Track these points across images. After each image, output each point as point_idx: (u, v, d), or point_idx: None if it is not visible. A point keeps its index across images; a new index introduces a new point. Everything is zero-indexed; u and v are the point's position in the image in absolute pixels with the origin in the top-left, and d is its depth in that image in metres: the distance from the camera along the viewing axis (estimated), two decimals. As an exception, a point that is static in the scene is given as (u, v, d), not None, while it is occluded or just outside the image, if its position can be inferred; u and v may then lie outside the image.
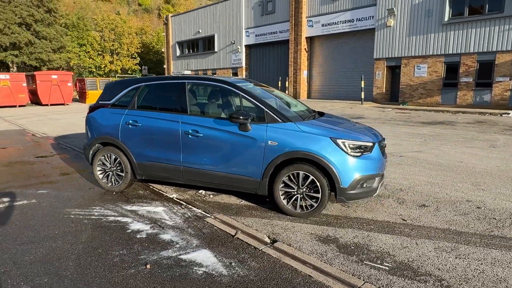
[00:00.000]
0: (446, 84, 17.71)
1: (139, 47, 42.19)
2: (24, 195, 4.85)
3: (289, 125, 4.06)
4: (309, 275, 2.88)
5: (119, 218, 4.05)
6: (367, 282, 2.79)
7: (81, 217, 4.09)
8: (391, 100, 20.18)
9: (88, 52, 39.72)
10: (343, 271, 2.95)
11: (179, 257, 3.18)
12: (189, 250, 3.30)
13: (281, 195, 4.10)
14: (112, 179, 4.97)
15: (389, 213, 4.20)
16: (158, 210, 4.32)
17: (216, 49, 30.01)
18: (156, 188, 5.17)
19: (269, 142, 4.04)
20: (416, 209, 4.35)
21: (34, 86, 24.60)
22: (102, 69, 40.12)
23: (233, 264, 3.06)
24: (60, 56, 35.13)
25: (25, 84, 24.11)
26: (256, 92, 4.56)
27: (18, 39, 30.82)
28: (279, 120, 4.11)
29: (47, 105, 24.75)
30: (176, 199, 4.70)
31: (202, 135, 4.35)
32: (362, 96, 19.35)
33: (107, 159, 4.97)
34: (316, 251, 3.30)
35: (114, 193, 4.96)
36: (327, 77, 23.60)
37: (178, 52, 34.46)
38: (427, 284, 2.75)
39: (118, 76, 40.73)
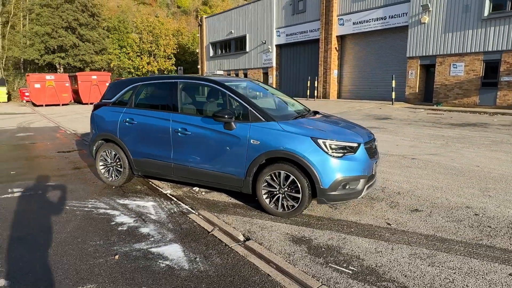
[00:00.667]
0: (484, 83, 16.59)
1: (175, 48, 43.54)
2: (33, 187, 5.23)
3: (272, 124, 4.05)
4: (268, 274, 2.87)
5: (108, 211, 4.26)
6: (324, 285, 2.73)
7: (75, 208, 4.34)
8: (424, 100, 19.25)
9: (128, 53, 41.64)
10: (304, 272, 2.90)
11: (149, 250, 3.29)
12: (161, 244, 3.41)
13: (264, 194, 4.09)
14: (113, 174, 5.22)
15: (375, 217, 4.05)
16: (147, 204, 4.48)
17: (247, 49, 30.25)
18: (154, 184, 5.35)
19: (252, 141, 4.05)
20: (406, 213, 4.16)
21: (76, 86, 26.25)
22: (140, 69, 41.86)
23: (197, 259, 3.12)
24: (102, 57, 37.13)
25: (68, 84, 25.78)
26: (243, 91, 4.59)
27: (64, 42, 32.98)
28: (262, 119, 4.10)
29: (87, 103, 26.27)
30: (169, 195, 4.84)
31: (190, 133, 4.45)
32: (393, 96, 18.62)
33: (108, 155, 5.23)
34: (284, 251, 3.27)
35: (113, 187, 5.20)
36: (358, 76, 22.98)
37: (211, 53, 35.15)
38: (386, 290, 2.64)
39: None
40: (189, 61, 47.11)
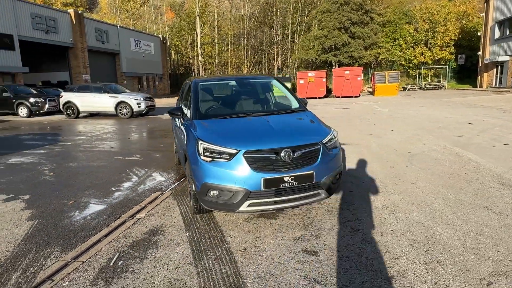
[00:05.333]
0: None
1: (456, 34, 37.86)
2: (136, 154, 7.52)
3: (193, 122, 4.16)
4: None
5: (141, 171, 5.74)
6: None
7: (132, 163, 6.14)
8: None
9: (400, 45, 40.48)
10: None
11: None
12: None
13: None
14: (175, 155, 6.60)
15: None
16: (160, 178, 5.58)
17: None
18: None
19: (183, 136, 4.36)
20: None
21: (328, 81, 29.14)
22: (412, 61, 39.71)
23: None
24: (371, 52, 38.36)
25: (324, 80, 29.10)
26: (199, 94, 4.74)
27: (337, 41, 36.82)
28: (190, 117, 4.36)
29: (338, 97, 28.64)
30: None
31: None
32: None
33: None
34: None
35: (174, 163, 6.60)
36: None
37: (496, 34, 28.22)
38: None
39: (423, 68, 38.96)
40: (475, 47, 39.59)
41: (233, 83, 5.39)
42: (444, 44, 38.26)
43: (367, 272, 2.74)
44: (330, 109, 17.49)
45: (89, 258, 3.18)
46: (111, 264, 3.05)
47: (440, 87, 35.84)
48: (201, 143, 3.64)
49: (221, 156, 3.49)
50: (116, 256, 3.18)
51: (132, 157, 7.36)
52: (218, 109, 4.71)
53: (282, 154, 3.42)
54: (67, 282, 2.81)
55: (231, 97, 5.12)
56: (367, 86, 37.67)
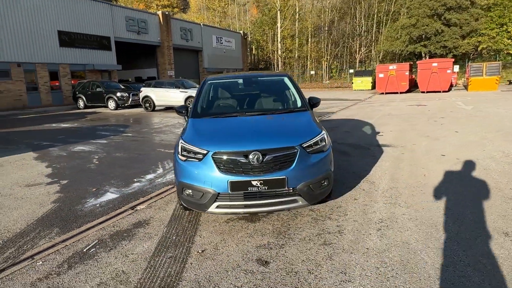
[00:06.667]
0: None
1: None
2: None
3: (188, 120, 4.26)
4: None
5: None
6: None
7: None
8: None
9: (509, 31, 34.80)
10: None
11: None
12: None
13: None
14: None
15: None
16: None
17: None
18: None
19: None
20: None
21: (413, 75, 26.53)
22: (523, 50, 33.86)
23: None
24: (469, 41, 33.81)
25: (407, 73, 26.63)
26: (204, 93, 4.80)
27: (426, 30, 33.31)
28: (186, 117, 4.47)
29: (424, 92, 25.97)
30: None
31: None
32: None
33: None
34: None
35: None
36: None
37: None
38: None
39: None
40: None
41: (241, 81, 5.33)
42: None
43: (304, 293, 2.50)
44: (404, 106, 16.01)
45: (73, 242, 3.52)
46: (84, 250, 3.34)
47: (560, 81, 29.88)
48: (181, 142, 3.73)
49: (195, 156, 3.53)
50: (92, 244, 3.46)
51: (172, 150, 7.81)
52: (216, 108, 4.73)
53: (250, 157, 3.30)
54: (41, 262, 3.17)
55: (235, 95, 5.08)
56: (463, 79, 33.39)
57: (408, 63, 27.84)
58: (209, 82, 4.98)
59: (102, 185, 5.39)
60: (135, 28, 27.34)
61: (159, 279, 2.78)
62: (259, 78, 5.32)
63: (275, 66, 46.92)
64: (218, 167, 3.36)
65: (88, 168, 6.47)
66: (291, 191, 3.37)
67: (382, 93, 27.09)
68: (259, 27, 49.62)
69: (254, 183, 3.29)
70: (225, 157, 3.37)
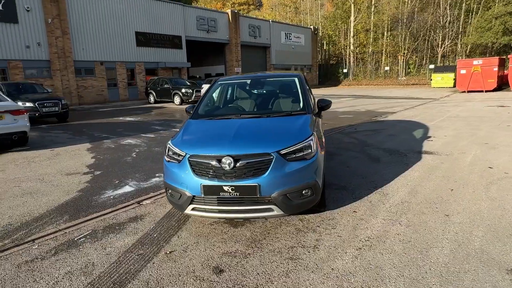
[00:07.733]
0: None
1: None
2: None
3: (187, 121, 4.40)
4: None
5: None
6: (52, 234, 3.65)
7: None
8: None
9: None
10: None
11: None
12: (130, 186, 5.26)
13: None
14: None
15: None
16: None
17: None
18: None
19: None
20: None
21: (503, 71, 23.16)
22: None
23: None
24: None
25: (496, 69, 23.37)
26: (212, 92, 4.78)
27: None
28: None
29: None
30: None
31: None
32: None
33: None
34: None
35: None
36: None
37: None
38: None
39: None
40: None
41: (249, 82, 5.22)
42: None
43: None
44: (480, 107, 14.14)
45: (71, 230, 3.86)
46: (75, 239, 3.64)
47: None
48: (168, 143, 3.82)
49: (177, 158, 3.59)
50: (86, 233, 3.75)
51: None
52: (216, 110, 4.73)
53: (223, 162, 3.24)
54: (36, 246, 3.54)
55: (240, 97, 5.01)
56: None
57: (498, 57, 24.40)
58: (218, 82, 5.00)
59: (126, 178, 5.79)
60: (205, 27, 28.65)
61: (116, 275, 2.91)
62: (267, 79, 5.17)
63: (347, 61, 45.09)
64: (193, 170, 3.38)
65: (124, 161, 7.00)
66: (266, 199, 3.23)
67: (464, 92, 24.29)
68: (332, 21, 48.10)
69: (225, 188, 3.23)
70: (199, 161, 3.37)
